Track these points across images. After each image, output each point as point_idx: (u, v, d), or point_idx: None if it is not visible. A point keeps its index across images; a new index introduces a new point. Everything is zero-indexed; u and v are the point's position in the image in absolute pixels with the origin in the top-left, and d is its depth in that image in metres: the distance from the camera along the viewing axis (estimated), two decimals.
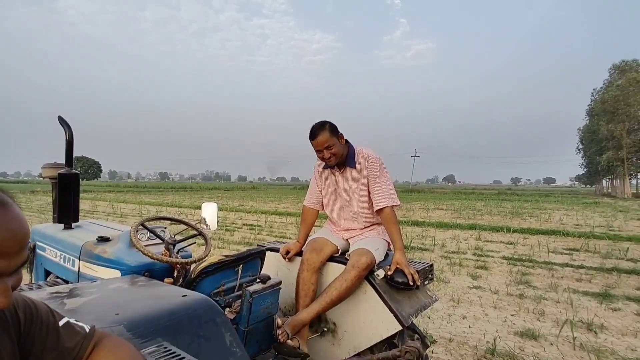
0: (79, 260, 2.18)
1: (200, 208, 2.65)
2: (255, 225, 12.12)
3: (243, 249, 7.10)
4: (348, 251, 2.11)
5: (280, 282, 1.78)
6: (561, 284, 5.39)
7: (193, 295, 1.26)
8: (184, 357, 0.89)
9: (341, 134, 2.10)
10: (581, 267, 6.47)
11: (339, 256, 2.11)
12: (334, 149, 2.04)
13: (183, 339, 1.04)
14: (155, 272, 1.91)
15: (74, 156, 2.77)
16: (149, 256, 1.77)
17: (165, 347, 0.97)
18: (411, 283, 1.84)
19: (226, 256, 1.74)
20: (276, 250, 2.27)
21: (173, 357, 0.91)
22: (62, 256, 2.37)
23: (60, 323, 0.79)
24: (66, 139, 2.64)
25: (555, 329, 3.66)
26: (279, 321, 1.67)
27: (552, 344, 3.33)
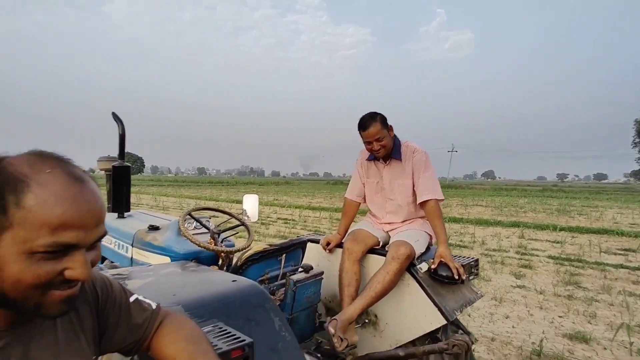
0: (132, 247, 2.32)
1: (236, 202, 2.71)
2: (289, 220, 12.30)
3: (278, 242, 7.20)
4: (389, 244, 2.10)
5: (322, 273, 1.80)
6: (615, 286, 5.03)
7: (242, 280, 1.30)
8: (240, 337, 0.93)
9: (390, 126, 2.08)
10: (638, 269, 6.01)
11: (380, 249, 2.10)
12: (384, 141, 2.02)
13: (235, 322, 1.08)
14: (201, 259, 1.99)
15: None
16: (196, 244, 1.85)
17: (221, 327, 1.01)
18: (456, 277, 1.79)
19: (270, 245, 1.78)
20: (317, 241, 2.29)
21: (229, 336, 0.95)
22: (116, 243, 2.53)
23: (131, 299, 0.84)
24: (119, 133, 2.79)
25: (608, 333, 3.43)
26: (331, 329, 1.66)
27: (605, 349, 3.12)
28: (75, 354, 0.69)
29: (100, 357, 0.80)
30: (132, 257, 2.32)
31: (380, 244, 2.13)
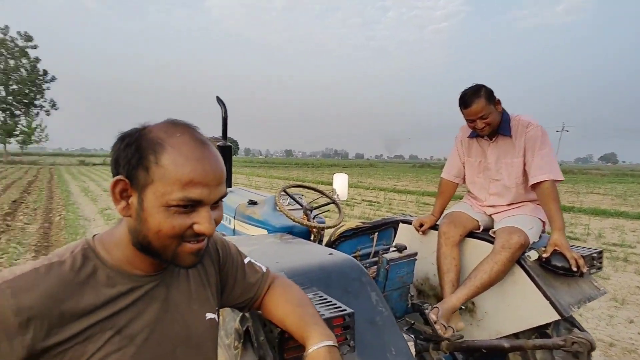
0: (234, 219, 2.54)
1: (321, 183, 2.75)
2: (374, 202, 12.24)
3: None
4: (492, 228, 1.92)
5: (416, 253, 1.74)
6: None
7: (338, 254, 1.32)
8: (341, 306, 0.95)
9: (498, 100, 1.84)
10: None
11: (482, 233, 1.94)
12: (489, 118, 1.80)
13: (333, 292, 1.11)
14: (294, 234, 2.08)
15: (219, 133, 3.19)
16: (291, 219, 1.94)
17: (321, 296, 1.05)
18: (574, 269, 1.57)
19: (363, 223, 1.78)
20: (409, 222, 2.22)
21: (329, 304, 0.98)
22: None
23: (245, 261, 0.93)
24: (222, 115, 3.05)
25: None
26: (433, 316, 1.60)
27: None
28: (204, 303, 0.80)
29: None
30: (234, 228, 2.55)
31: (481, 227, 1.96)
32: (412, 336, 1.56)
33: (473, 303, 1.89)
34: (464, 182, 2.14)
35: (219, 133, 3.21)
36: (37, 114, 45.84)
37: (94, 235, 0.71)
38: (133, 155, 0.62)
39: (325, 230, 2.01)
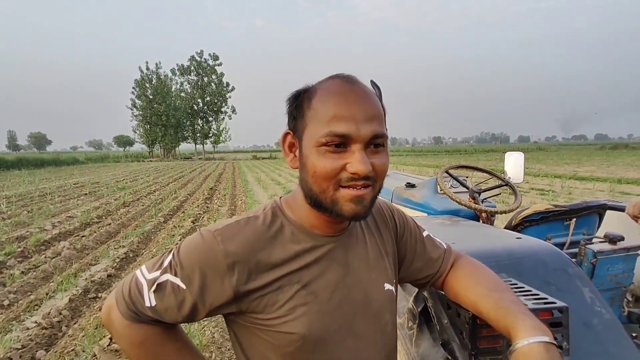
0: (391, 202, 2.50)
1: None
2: (547, 190, 10.35)
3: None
4: None
5: (639, 247, 1.32)
6: None
7: (529, 239, 1.10)
8: (547, 298, 0.77)
9: None
10: None
11: None
12: None
13: (529, 282, 0.92)
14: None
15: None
16: (457, 202, 1.75)
17: (516, 284, 0.88)
18: None
19: (555, 206, 1.45)
20: (620, 208, 1.72)
21: (530, 294, 0.80)
22: None
23: (424, 234, 0.83)
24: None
25: None
26: None
27: None
28: (382, 272, 0.74)
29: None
30: None
31: None
32: None
33: None
34: None
35: None
36: (223, 119, 56.92)
37: (280, 197, 0.75)
38: (295, 107, 0.65)
39: (497, 216, 1.76)
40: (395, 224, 0.81)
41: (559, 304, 0.75)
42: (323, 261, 0.67)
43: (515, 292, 0.82)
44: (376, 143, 0.61)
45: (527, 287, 0.84)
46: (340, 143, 0.59)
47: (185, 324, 0.66)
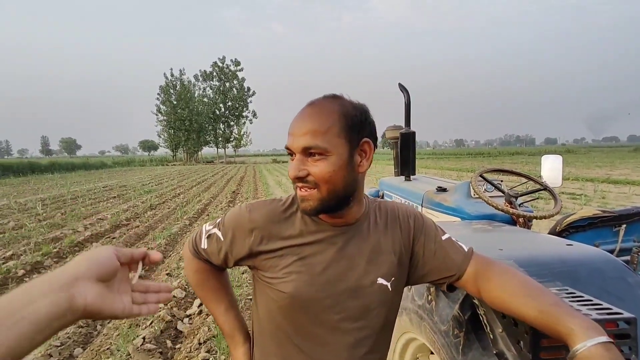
0: (422, 206, 2.45)
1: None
2: (579, 195, 9.96)
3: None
4: None
5: None
6: None
7: (582, 246, 1.06)
8: (611, 308, 0.73)
9: None
10: None
11: None
12: None
13: (586, 291, 0.88)
14: None
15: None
16: (493, 206, 1.71)
17: (572, 292, 0.84)
18: None
19: (603, 211, 1.39)
20: None
21: (592, 304, 0.76)
22: (406, 203, 2.75)
23: (444, 237, 0.85)
24: (405, 102, 2.99)
25: None
26: None
27: None
28: (380, 267, 0.81)
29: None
30: None
31: None
32: None
33: None
34: None
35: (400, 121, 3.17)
36: (244, 123, 57.69)
37: None
38: None
39: (533, 222, 1.69)
40: (409, 226, 0.86)
41: (626, 314, 0.71)
42: (323, 243, 0.80)
43: (574, 301, 0.79)
44: (311, 153, 0.72)
45: (586, 296, 0.81)
46: (292, 153, 0.75)
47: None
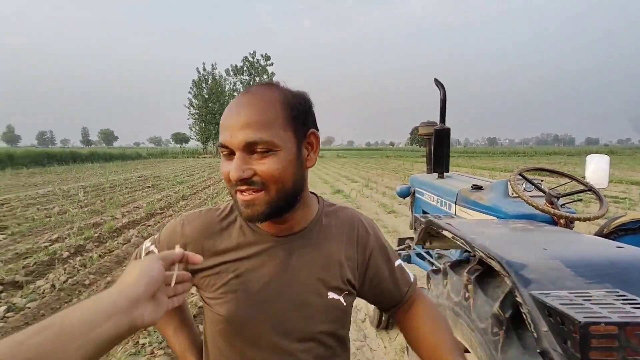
0: (455, 204, 2.40)
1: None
2: (622, 198, 9.40)
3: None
4: None
5: None
6: None
7: (632, 248, 1.01)
8: None
9: None
10: None
11: None
12: None
13: (637, 294, 0.85)
14: None
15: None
16: (533, 206, 1.65)
17: (622, 295, 0.81)
18: None
19: None
20: None
21: None
22: (439, 200, 2.70)
23: (396, 263, 0.83)
24: (440, 98, 2.92)
25: None
26: None
27: None
28: (330, 280, 0.73)
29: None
30: (455, 214, 2.41)
31: None
32: None
33: None
34: None
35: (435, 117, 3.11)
36: None
37: None
38: None
39: (576, 223, 1.63)
40: (368, 240, 0.80)
41: None
42: (261, 256, 0.71)
43: (626, 304, 0.77)
44: (258, 150, 0.62)
45: (638, 299, 0.78)
46: (229, 151, 0.63)
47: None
